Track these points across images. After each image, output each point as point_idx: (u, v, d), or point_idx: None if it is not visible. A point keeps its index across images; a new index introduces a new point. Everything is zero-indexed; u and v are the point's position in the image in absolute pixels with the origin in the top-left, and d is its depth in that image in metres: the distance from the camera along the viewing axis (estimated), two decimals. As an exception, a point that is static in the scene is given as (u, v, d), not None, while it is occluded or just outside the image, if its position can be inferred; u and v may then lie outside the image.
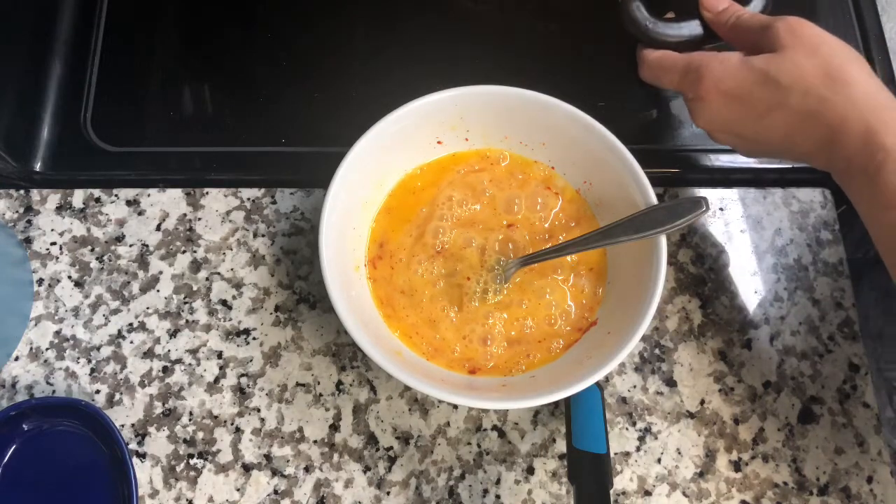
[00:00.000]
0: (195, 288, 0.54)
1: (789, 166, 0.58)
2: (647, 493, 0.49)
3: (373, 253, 0.51)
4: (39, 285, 0.54)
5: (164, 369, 0.52)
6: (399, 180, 0.53)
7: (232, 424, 0.51)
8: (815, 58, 0.43)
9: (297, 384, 0.52)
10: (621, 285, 0.49)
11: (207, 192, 0.57)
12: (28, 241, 0.55)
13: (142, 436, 0.50)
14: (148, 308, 0.53)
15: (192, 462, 0.50)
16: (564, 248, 0.48)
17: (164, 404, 0.51)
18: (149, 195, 0.56)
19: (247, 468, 0.50)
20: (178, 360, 0.52)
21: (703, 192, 0.57)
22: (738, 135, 0.47)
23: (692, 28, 0.51)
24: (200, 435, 0.50)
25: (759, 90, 0.44)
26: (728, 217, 0.57)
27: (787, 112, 0.44)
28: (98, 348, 0.52)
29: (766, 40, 0.45)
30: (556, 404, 0.51)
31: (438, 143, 0.52)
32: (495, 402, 0.44)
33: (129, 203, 0.56)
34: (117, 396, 0.51)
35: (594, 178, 0.51)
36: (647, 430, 0.51)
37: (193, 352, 0.52)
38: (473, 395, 0.44)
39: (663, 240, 0.46)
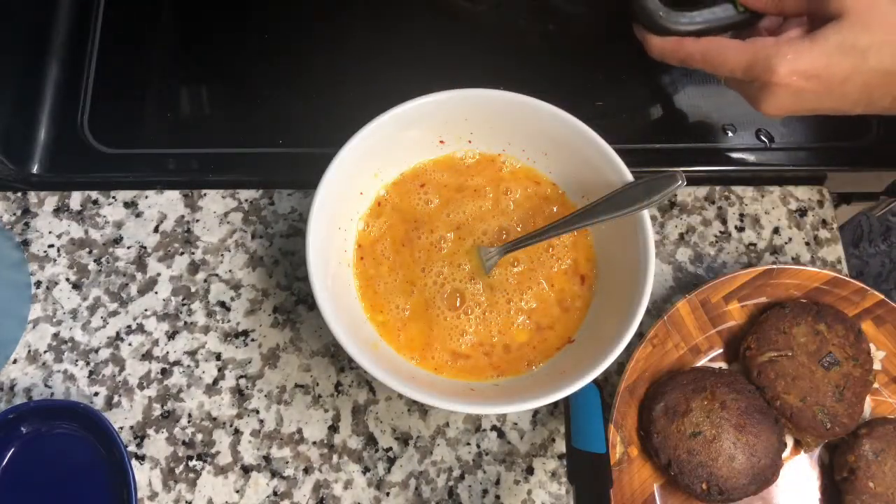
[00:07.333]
0: (193, 289, 0.54)
1: (788, 167, 0.57)
2: (647, 493, 0.49)
3: (364, 252, 0.51)
4: (37, 288, 0.54)
5: (163, 371, 0.52)
6: (394, 179, 0.52)
7: (231, 426, 0.51)
8: (886, 14, 0.42)
9: (296, 385, 0.52)
10: (612, 281, 0.49)
11: (205, 194, 0.57)
12: (26, 243, 0.55)
13: (141, 438, 0.50)
14: (146, 310, 0.53)
15: (191, 464, 0.50)
16: (546, 231, 0.48)
17: (162, 406, 0.51)
18: (146, 197, 0.56)
19: (246, 470, 0.50)
20: (177, 362, 0.52)
21: (701, 190, 0.57)
22: (811, 110, 0.46)
23: (716, 14, 0.47)
24: (199, 437, 0.50)
25: (837, 60, 0.43)
26: (726, 216, 0.57)
27: (866, 74, 0.43)
28: (96, 350, 0.52)
29: (823, 6, 0.44)
30: (556, 404, 0.51)
31: (441, 142, 0.52)
32: (492, 407, 0.43)
33: (126, 205, 0.56)
34: (116, 398, 0.51)
35: (591, 186, 0.51)
36: (647, 429, 0.51)
37: (192, 353, 0.52)
38: (470, 400, 0.44)
39: (647, 222, 0.46)
